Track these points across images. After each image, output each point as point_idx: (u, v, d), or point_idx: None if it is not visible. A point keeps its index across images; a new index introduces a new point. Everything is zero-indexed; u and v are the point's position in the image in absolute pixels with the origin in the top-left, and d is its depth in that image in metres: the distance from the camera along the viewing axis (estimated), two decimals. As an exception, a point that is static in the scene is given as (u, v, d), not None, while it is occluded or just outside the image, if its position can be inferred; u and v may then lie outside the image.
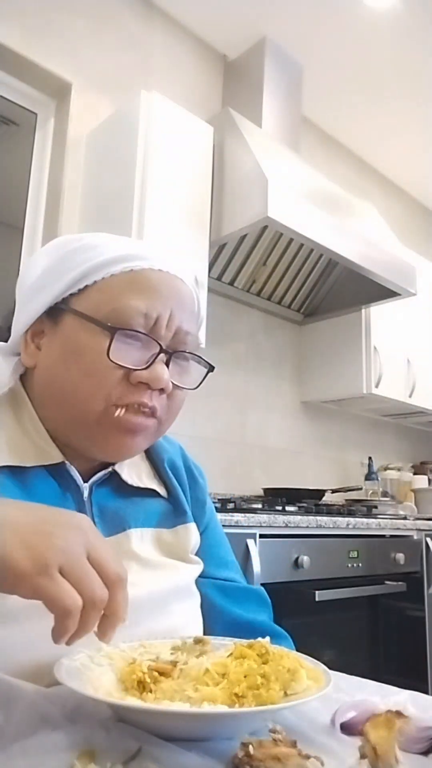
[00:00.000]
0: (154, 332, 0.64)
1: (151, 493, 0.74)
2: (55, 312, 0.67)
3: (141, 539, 0.69)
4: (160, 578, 0.68)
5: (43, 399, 0.68)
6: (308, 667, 0.53)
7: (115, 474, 0.71)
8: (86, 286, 0.65)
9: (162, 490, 0.75)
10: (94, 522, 0.67)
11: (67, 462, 0.67)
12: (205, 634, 0.72)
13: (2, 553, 0.43)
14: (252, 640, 0.55)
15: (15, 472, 0.63)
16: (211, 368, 0.71)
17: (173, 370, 0.66)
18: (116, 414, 0.63)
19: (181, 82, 2.67)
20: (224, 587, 0.79)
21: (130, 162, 2.04)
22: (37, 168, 2.33)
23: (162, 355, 0.64)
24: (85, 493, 0.68)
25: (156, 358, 0.63)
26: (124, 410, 0.63)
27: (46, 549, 0.44)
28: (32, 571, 0.43)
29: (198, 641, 0.59)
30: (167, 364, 0.64)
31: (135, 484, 0.72)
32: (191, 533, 0.75)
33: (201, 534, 0.78)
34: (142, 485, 0.73)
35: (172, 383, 0.65)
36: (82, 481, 0.68)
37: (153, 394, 0.64)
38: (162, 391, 0.64)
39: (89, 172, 2.26)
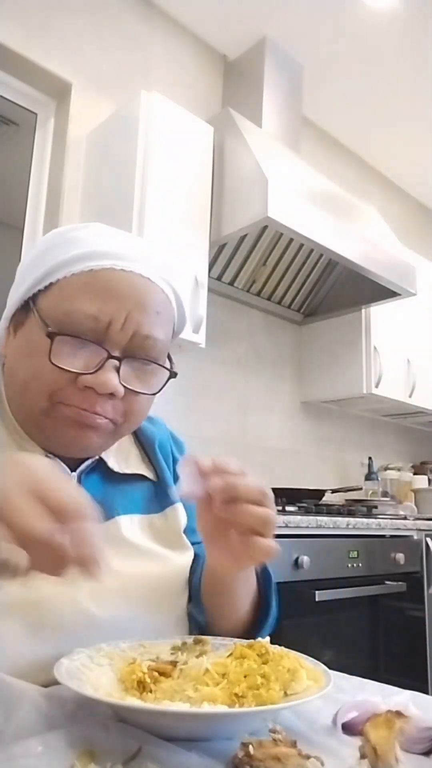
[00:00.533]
0: (106, 336, 0.62)
1: (140, 477, 0.75)
2: (26, 305, 0.67)
3: (130, 525, 0.69)
4: (150, 566, 0.68)
5: (10, 394, 0.69)
6: (308, 667, 0.53)
7: (102, 461, 0.71)
8: (50, 284, 0.65)
9: (151, 474, 0.76)
10: None
11: (49, 455, 0.66)
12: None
13: None
14: (252, 641, 0.55)
15: None
16: (172, 374, 0.69)
17: (129, 374, 0.64)
18: (62, 411, 0.63)
19: (181, 82, 2.67)
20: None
21: (130, 162, 2.04)
22: (37, 168, 2.33)
23: (112, 360, 0.62)
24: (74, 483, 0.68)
25: (104, 363, 0.62)
26: (70, 408, 0.63)
27: None
28: None
29: (198, 641, 0.59)
30: (119, 369, 0.63)
31: (122, 471, 0.73)
32: (179, 514, 0.75)
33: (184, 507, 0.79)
34: (129, 471, 0.73)
35: (128, 388, 0.64)
36: (69, 471, 0.68)
37: (100, 399, 0.63)
38: (112, 395, 0.63)
39: (89, 172, 2.26)
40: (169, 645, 0.58)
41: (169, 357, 0.70)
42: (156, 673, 0.50)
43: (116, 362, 0.62)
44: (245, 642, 0.55)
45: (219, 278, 2.62)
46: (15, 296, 0.68)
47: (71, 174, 2.25)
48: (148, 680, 0.49)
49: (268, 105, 2.65)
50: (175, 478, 0.81)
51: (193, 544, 0.77)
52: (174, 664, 0.52)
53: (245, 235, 2.42)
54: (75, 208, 2.23)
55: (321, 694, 0.47)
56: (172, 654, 0.56)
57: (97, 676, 0.50)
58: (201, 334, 2.10)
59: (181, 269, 2.08)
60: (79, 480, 0.69)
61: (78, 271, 0.63)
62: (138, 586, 0.65)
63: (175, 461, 0.82)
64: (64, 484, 0.41)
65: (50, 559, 0.39)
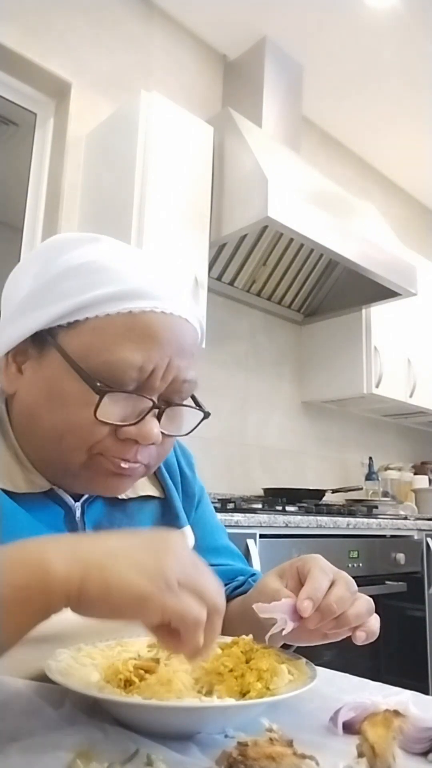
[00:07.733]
0: (147, 384, 0.59)
1: (147, 497, 0.73)
2: (40, 339, 0.60)
3: None
4: None
5: (24, 433, 0.64)
6: (287, 660, 0.54)
7: None
8: (77, 321, 0.58)
9: (158, 492, 0.74)
10: None
11: (55, 488, 0.65)
12: None
13: (126, 581, 0.42)
14: (236, 638, 0.56)
15: (11, 493, 0.61)
16: (206, 415, 0.66)
17: (165, 418, 0.61)
18: (100, 463, 0.61)
19: (181, 82, 2.67)
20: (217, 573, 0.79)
21: (130, 162, 2.04)
22: (36, 168, 2.33)
23: (154, 409, 0.60)
24: (78, 513, 0.66)
25: (147, 414, 0.59)
26: (108, 461, 0.60)
27: (162, 566, 0.43)
28: (156, 590, 0.42)
29: None
30: (160, 417, 0.60)
31: (128, 497, 0.70)
32: (187, 536, 0.74)
33: (192, 525, 0.77)
34: (135, 495, 0.71)
35: (165, 434, 0.61)
36: (73, 502, 0.66)
37: (140, 448, 0.60)
38: (152, 443, 0.61)
39: (89, 172, 2.26)
40: (145, 642, 0.58)
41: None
42: (142, 671, 0.50)
43: (157, 410, 0.60)
44: (229, 639, 0.55)
45: (219, 278, 2.62)
46: (19, 325, 0.61)
47: (71, 174, 2.25)
48: (135, 678, 0.49)
49: (268, 105, 2.65)
50: (184, 492, 0.79)
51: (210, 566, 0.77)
52: (157, 660, 0.52)
53: (245, 235, 2.42)
54: (74, 208, 2.23)
55: (307, 688, 0.48)
56: (149, 651, 0.56)
57: (82, 676, 0.50)
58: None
59: (181, 269, 2.08)
60: (83, 508, 0.67)
61: (115, 313, 0.58)
62: None
63: (182, 473, 0.80)
64: (207, 576, 0.46)
65: (187, 641, 0.43)
